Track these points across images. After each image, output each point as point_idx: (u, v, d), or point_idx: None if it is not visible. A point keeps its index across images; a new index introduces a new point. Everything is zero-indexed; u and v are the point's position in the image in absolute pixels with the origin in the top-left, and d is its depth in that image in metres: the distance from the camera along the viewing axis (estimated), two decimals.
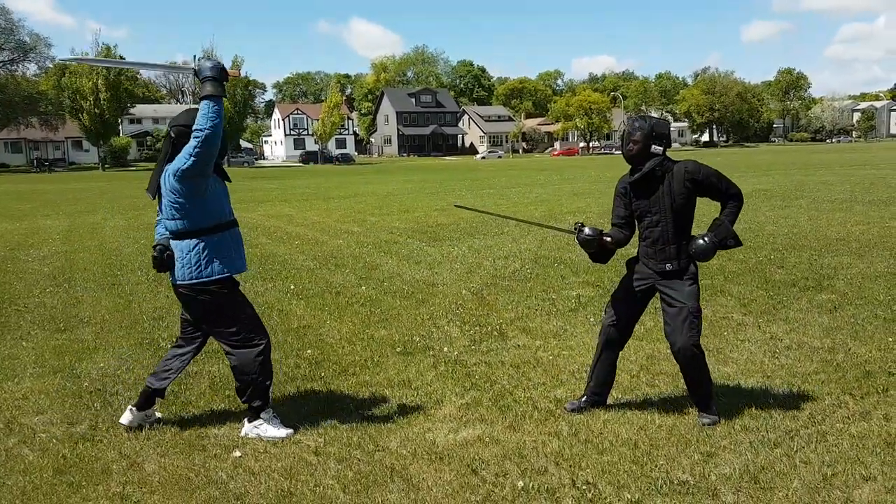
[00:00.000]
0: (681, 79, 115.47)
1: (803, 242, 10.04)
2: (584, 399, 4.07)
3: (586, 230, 3.88)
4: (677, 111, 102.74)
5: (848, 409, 3.98)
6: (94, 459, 3.59)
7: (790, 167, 33.38)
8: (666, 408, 4.05)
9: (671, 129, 3.67)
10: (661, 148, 3.70)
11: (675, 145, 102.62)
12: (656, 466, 3.33)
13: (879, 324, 5.71)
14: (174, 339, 4.23)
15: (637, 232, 3.94)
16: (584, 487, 3.16)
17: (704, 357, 3.82)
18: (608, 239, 3.90)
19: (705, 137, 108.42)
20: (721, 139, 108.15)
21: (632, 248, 4.06)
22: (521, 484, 3.20)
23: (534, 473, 3.31)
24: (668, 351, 5.10)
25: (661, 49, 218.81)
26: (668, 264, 3.75)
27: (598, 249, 3.92)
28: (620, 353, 4.08)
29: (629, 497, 3.06)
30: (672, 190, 3.70)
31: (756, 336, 5.51)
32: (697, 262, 3.78)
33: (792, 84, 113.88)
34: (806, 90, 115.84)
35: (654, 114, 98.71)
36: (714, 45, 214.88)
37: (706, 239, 3.72)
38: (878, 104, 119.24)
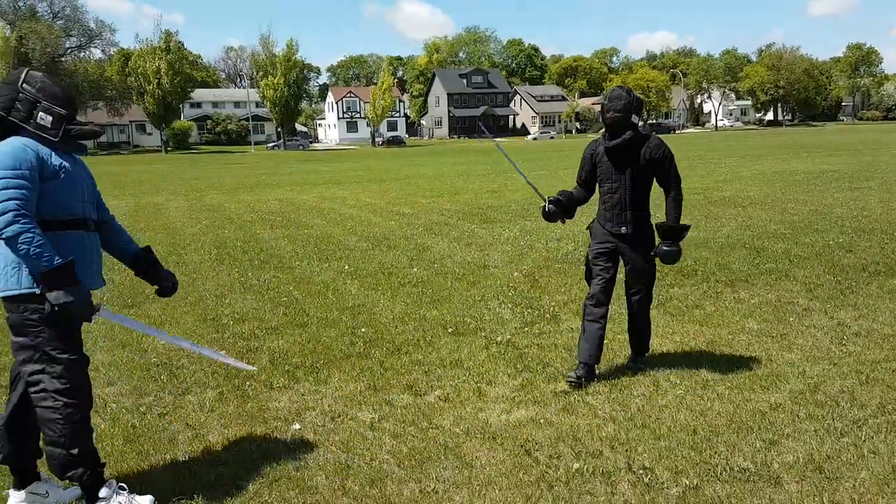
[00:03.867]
0: (744, 55, 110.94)
1: (873, 226, 9.57)
2: (580, 370, 4.24)
3: (549, 206, 4.37)
4: (740, 89, 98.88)
5: None
6: (161, 430, 3.75)
7: (859, 147, 31.79)
8: (726, 394, 3.95)
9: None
10: (638, 119, 4.02)
11: (737, 124, 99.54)
12: (716, 453, 3.25)
13: None
14: (234, 316, 4.30)
15: (598, 195, 4.36)
16: (640, 472, 3.11)
17: (649, 307, 4.45)
18: (567, 219, 4.48)
19: (769, 116, 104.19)
20: (786, 118, 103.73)
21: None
22: (575, 466, 3.18)
23: (588, 456, 3.28)
24: (729, 336, 5.02)
25: (722, 24, 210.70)
26: (624, 227, 4.15)
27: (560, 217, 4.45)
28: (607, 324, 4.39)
29: (687, 483, 3.00)
30: (638, 161, 4.07)
31: (822, 322, 5.31)
32: (653, 228, 4.27)
33: (862, 60, 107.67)
34: (877, 66, 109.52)
35: (716, 93, 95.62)
36: (779, 20, 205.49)
37: (666, 246, 4.14)
38: None
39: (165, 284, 3.44)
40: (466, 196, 16.37)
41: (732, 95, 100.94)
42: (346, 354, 4.92)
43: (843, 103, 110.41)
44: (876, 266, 7.06)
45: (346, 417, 3.83)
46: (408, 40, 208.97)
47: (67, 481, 3.01)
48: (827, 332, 5.07)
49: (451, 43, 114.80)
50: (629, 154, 4.08)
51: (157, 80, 62.98)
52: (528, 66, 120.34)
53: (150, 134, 76.70)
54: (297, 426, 3.73)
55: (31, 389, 2.83)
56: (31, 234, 2.65)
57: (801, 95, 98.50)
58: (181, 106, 73.69)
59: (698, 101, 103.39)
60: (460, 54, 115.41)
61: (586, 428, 3.58)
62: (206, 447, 3.53)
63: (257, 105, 79.36)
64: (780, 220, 10.50)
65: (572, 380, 4.11)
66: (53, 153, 2.85)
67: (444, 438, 3.53)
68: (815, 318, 5.43)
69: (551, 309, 5.96)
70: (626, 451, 3.32)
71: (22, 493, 3.01)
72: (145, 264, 3.40)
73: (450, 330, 5.43)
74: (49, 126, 2.84)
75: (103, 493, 2.93)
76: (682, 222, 4.18)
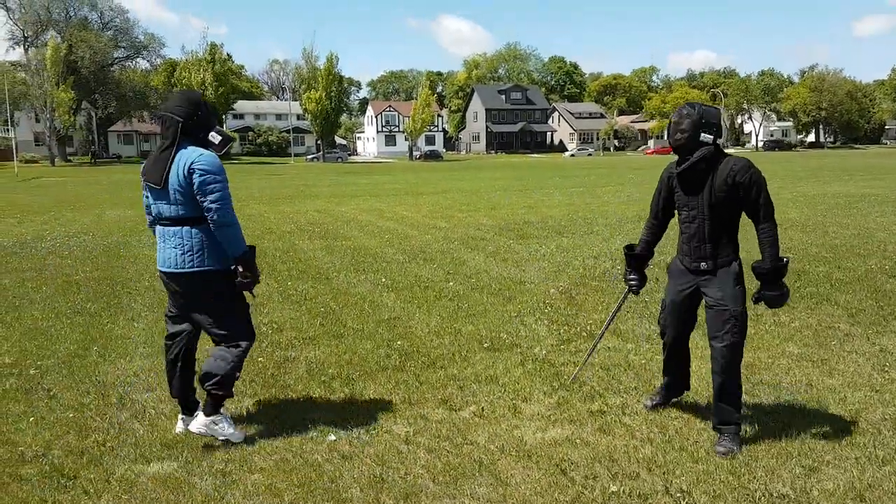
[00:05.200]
0: (786, 76, 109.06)
1: None
2: (659, 396, 4.06)
3: (633, 284, 4.04)
4: (781, 110, 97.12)
5: None
6: (198, 437, 3.80)
7: None
8: (766, 419, 3.89)
9: (720, 119, 3.60)
10: (711, 137, 3.50)
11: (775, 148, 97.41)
12: (755, 478, 3.21)
13: None
14: (273, 325, 4.37)
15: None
16: (678, 495, 3.08)
17: (740, 359, 3.59)
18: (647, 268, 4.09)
19: (811, 138, 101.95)
20: (828, 140, 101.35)
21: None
22: (612, 488, 3.16)
23: (625, 478, 3.26)
24: (769, 360, 4.93)
25: (764, 45, 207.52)
26: (703, 263, 3.60)
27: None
28: (689, 353, 4.04)
29: None
30: (714, 185, 3.51)
31: (864, 348, 5.18)
32: (741, 262, 3.64)
33: None
34: None
35: (756, 113, 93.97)
36: (822, 41, 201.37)
37: (769, 290, 3.54)
38: None
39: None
40: (503, 211, 16.39)
41: (773, 116, 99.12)
42: (381, 367, 4.97)
43: (887, 126, 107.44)
44: None
45: (381, 430, 3.86)
46: (449, 55, 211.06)
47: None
48: (869, 358, 4.96)
49: (490, 59, 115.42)
50: (705, 177, 3.54)
51: (201, 91, 64.59)
52: (567, 83, 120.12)
53: None
54: (332, 437, 3.78)
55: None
56: (238, 227, 3.64)
57: (844, 118, 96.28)
58: (224, 117, 75.43)
59: (738, 121, 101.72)
60: (500, 70, 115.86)
61: (623, 449, 3.56)
62: (243, 455, 3.59)
63: (298, 118, 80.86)
64: (822, 243, 10.27)
65: (646, 406, 4.09)
66: None
67: (479, 455, 3.54)
68: (856, 343, 5.31)
69: (588, 327, 5.93)
70: (664, 473, 3.29)
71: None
72: None
73: (485, 345, 5.45)
74: (216, 144, 3.68)
75: (223, 410, 3.82)
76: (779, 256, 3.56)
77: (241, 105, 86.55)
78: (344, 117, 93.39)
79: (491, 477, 3.32)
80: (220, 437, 3.75)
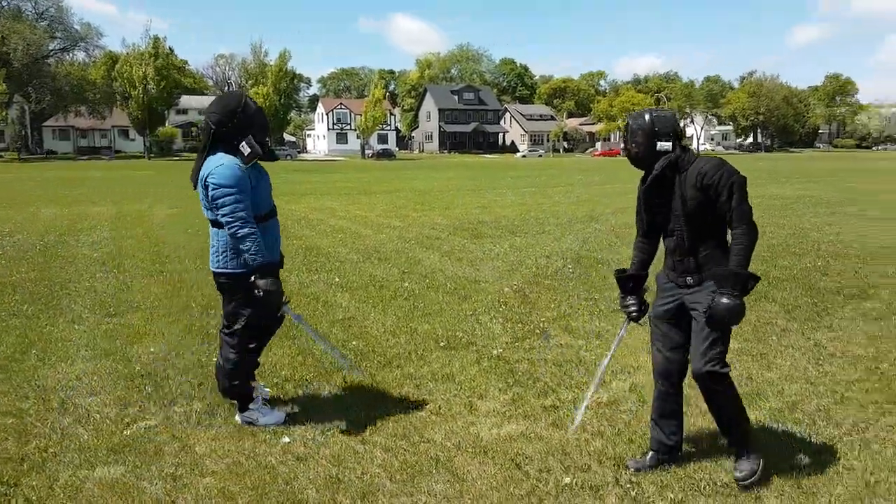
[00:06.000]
0: (727, 82, 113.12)
1: (847, 251, 9.82)
2: (649, 455, 3.42)
3: (632, 311, 3.53)
4: (722, 114, 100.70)
5: (892, 418, 3.93)
6: (147, 441, 3.73)
7: (836, 173, 32.44)
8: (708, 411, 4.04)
9: (675, 123, 3.25)
10: (669, 144, 3.17)
11: (718, 148, 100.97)
12: (699, 468, 3.34)
13: None
14: None
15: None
16: (627, 486, 3.19)
17: (729, 387, 3.20)
18: (645, 295, 3.57)
19: (749, 141, 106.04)
20: (765, 143, 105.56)
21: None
22: (565, 480, 3.24)
23: (577, 470, 3.35)
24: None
25: (706, 51, 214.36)
26: (689, 277, 3.26)
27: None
28: (682, 385, 3.45)
29: (672, 497, 3.09)
30: (684, 193, 3.16)
31: (800, 343, 5.45)
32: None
33: (839, 90, 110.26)
34: (853, 96, 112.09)
35: (698, 117, 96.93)
36: (761, 49, 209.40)
37: (726, 298, 3.02)
38: None
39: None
40: (457, 211, 16.47)
41: (714, 120, 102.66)
42: (336, 367, 4.93)
43: (820, 131, 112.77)
44: (850, 289, 7.24)
45: (336, 431, 3.84)
46: (401, 54, 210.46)
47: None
48: (804, 352, 5.21)
49: (443, 59, 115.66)
50: (674, 187, 3.20)
51: (143, 86, 62.54)
52: (518, 84, 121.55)
53: (133, 140, 76.07)
54: (286, 439, 3.74)
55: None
56: (256, 236, 3.63)
57: (780, 122, 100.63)
58: (167, 112, 73.26)
59: (681, 124, 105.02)
60: (452, 70, 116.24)
61: (575, 443, 3.65)
62: (194, 459, 3.52)
63: None
64: (759, 242, 10.67)
65: (630, 467, 3.38)
66: (247, 168, 3.70)
67: (436, 452, 3.57)
68: (792, 338, 5.57)
69: (541, 324, 6.04)
70: (614, 465, 3.40)
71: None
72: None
73: (441, 344, 5.49)
74: (244, 155, 3.65)
75: (252, 406, 3.99)
76: (749, 270, 3.12)
77: (186, 100, 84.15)
78: (293, 114, 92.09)
79: (448, 473, 3.35)
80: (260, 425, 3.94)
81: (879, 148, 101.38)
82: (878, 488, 3.14)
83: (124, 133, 77.42)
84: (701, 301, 3.17)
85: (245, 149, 3.64)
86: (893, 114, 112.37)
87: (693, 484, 3.19)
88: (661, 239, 3.43)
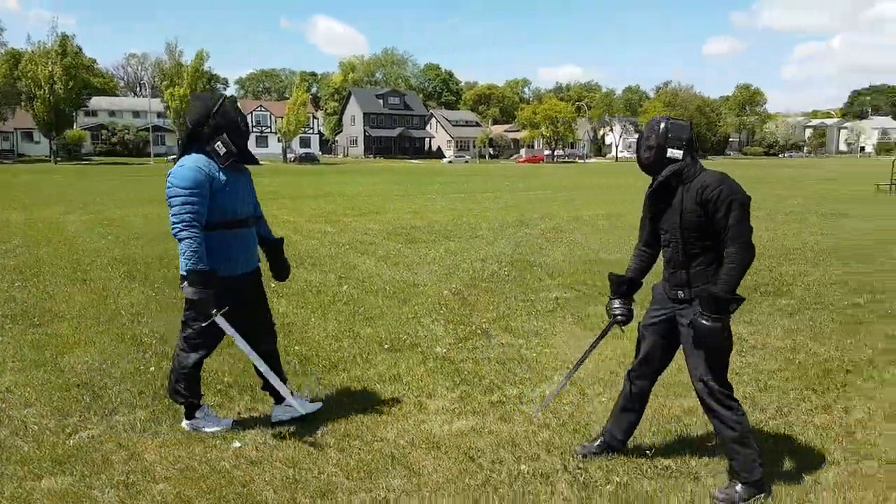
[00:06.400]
0: (645, 92, 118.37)
1: (762, 251, 10.51)
2: (598, 441, 3.58)
3: (618, 314, 3.48)
4: (640, 123, 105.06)
5: (811, 403, 4.31)
6: (92, 450, 3.63)
7: (749, 180, 34.54)
8: (652, 398, 4.29)
9: (691, 133, 3.29)
10: (680, 153, 3.18)
11: (635, 155, 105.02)
12: (641, 454, 3.57)
13: (836, 326, 6.10)
14: (155, 336, 4.24)
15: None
16: (576, 472, 3.38)
17: (726, 409, 3.17)
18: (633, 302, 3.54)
19: None
20: None
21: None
22: (517, 469, 3.40)
23: (528, 460, 3.52)
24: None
25: (626, 61, 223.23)
26: (680, 291, 3.22)
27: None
28: (648, 395, 3.55)
29: (618, 480, 3.30)
30: (683, 205, 3.14)
31: None
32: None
33: (749, 99, 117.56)
34: (762, 106, 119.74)
35: (616, 126, 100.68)
36: (677, 60, 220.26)
37: (706, 319, 3.01)
38: (828, 122, 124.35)
39: (283, 274, 4.47)
40: (389, 216, 16.51)
41: (632, 128, 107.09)
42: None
43: (731, 139, 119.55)
44: (766, 287, 7.80)
45: (287, 434, 3.85)
46: (325, 56, 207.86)
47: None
48: None
49: (367, 63, 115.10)
50: (676, 197, 3.19)
51: (49, 86, 59.09)
52: (444, 90, 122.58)
53: (38, 143, 71.68)
54: (237, 444, 3.72)
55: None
56: (193, 241, 3.51)
57: (694, 131, 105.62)
58: (75, 114, 69.48)
59: (601, 132, 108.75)
60: (377, 74, 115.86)
61: (523, 434, 3.82)
62: (144, 466, 3.47)
63: (159, 115, 76.11)
64: None
65: (577, 452, 3.55)
66: (221, 170, 3.66)
67: (390, 449, 3.65)
68: None
69: (482, 325, 6.21)
70: (562, 453, 3.59)
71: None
72: (275, 253, 4.38)
73: (386, 346, 5.56)
74: (220, 155, 3.63)
75: (198, 414, 3.94)
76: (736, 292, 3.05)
77: (96, 101, 79.99)
78: None
79: (404, 469, 3.44)
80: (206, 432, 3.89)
81: (785, 155, 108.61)
82: (803, 466, 3.45)
83: (28, 136, 72.85)
84: (689, 318, 3.17)
85: (220, 149, 3.64)
86: (798, 123, 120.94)
87: (636, 468, 3.42)
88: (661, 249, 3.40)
